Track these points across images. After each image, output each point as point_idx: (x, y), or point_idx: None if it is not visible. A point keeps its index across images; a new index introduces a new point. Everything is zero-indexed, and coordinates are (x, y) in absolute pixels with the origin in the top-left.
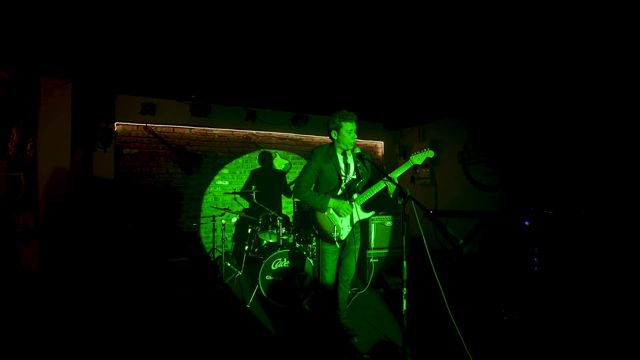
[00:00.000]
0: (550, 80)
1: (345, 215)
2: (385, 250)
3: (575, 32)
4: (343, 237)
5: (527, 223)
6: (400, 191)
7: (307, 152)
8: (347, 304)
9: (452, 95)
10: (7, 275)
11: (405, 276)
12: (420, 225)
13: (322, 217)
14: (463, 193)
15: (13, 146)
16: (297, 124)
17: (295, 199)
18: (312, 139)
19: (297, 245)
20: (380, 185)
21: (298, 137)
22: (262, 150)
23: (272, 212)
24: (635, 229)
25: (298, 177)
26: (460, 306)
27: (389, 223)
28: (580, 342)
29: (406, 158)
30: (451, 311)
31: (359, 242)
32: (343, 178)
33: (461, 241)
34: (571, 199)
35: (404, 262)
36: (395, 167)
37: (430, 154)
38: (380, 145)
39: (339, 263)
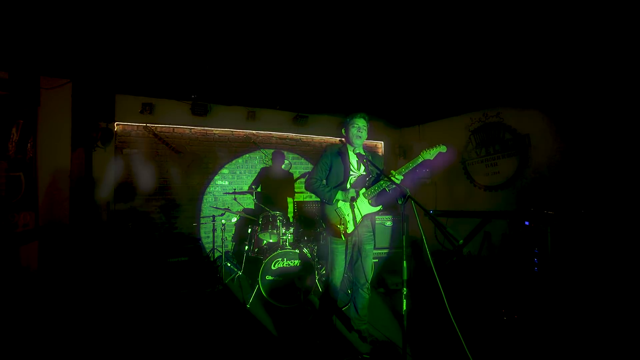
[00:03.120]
0: (552, 81)
1: (348, 197)
2: (386, 250)
3: (575, 35)
4: (349, 231)
5: (527, 223)
6: (400, 191)
7: (307, 152)
8: (347, 305)
9: (452, 95)
10: (6, 275)
11: (405, 276)
12: (420, 226)
13: (330, 211)
14: (463, 193)
15: (13, 146)
16: (297, 124)
17: (297, 199)
18: (312, 139)
19: (298, 245)
20: (386, 182)
21: (298, 137)
22: (262, 150)
23: (272, 212)
24: (635, 229)
25: (310, 172)
26: (460, 306)
27: (389, 223)
28: (580, 341)
29: (406, 158)
30: (451, 311)
31: (372, 243)
32: (352, 174)
33: (461, 241)
34: (571, 199)
35: (404, 262)
36: (395, 167)
37: (442, 149)
38: (380, 145)
39: (358, 266)
